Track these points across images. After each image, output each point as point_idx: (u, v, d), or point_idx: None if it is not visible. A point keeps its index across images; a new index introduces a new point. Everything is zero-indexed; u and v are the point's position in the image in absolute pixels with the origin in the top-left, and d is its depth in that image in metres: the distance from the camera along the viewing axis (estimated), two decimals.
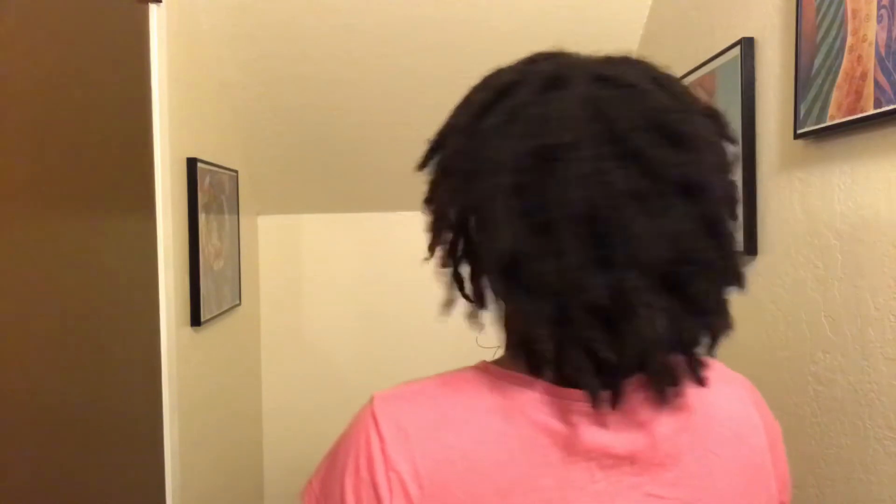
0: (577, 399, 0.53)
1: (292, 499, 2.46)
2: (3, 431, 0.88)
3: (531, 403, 0.53)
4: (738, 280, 0.55)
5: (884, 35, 0.90)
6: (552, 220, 0.49)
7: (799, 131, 1.09)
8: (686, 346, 0.54)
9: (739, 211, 0.57)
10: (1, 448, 0.88)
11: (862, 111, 0.94)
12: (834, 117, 1.00)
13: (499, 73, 0.58)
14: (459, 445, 0.52)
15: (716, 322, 0.54)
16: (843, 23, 0.98)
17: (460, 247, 0.58)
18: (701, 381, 0.56)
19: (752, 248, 1.27)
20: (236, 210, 2.00)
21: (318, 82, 1.94)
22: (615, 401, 0.53)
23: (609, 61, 0.58)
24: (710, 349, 0.56)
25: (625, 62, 0.58)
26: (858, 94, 0.94)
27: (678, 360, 0.55)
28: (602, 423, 0.53)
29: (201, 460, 1.65)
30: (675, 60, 1.63)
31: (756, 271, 1.28)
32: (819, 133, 1.05)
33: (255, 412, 2.35)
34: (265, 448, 2.43)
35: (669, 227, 0.49)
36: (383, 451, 0.53)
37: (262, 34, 1.80)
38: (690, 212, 0.50)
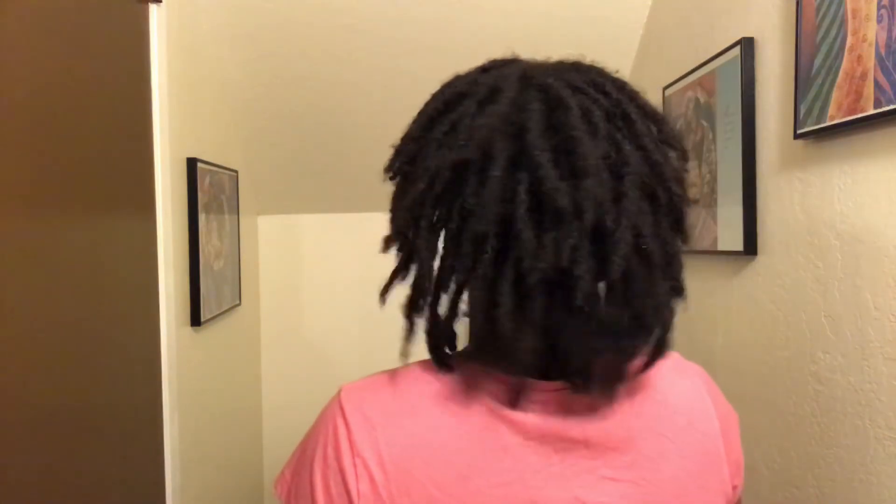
0: (533, 387, 0.57)
1: None
2: (3, 431, 0.88)
3: (489, 391, 0.57)
4: (636, 292, 0.54)
5: (884, 35, 0.90)
6: (462, 231, 0.53)
7: (799, 131, 1.09)
8: (574, 356, 0.55)
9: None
10: (1, 448, 0.88)
11: (862, 111, 0.94)
12: (834, 117, 1.00)
13: (452, 83, 0.61)
14: (421, 433, 0.55)
15: (618, 334, 0.55)
16: (843, 23, 0.98)
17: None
18: (643, 368, 0.59)
19: (752, 248, 1.27)
20: (236, 210, 2.00)
21: (318, 82, 1.94)
22: (568, 388, 0.57)
23: (555, 69, 0.59)
24: (630, 353, 0.57)
25: (573, 69, 0.60)
26: (858, 94, 0.94)
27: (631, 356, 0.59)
28: (557, 410, 0.57)
29: (201, 460, 1.65)
30: (675, 60, 1.63)
31: (756, 271, 1.28)
32: (819, 133, 1.05)
33: (255, 412, 2.35)
34: (265, 448, 2.43)
35: (554, 241, 0.51)
36: (349, 438, 0.56)
37: (262, 34, 1.80)
38: (576, 228, 0.51)
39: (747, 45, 1.27)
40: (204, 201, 1.65)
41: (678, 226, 0.58)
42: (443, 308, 0.57)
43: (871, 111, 0.92)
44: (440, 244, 0.56)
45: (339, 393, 0.60)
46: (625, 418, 0.60)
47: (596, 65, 0.62)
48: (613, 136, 0.54)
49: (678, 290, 0.59)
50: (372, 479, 0.54)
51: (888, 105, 0.89)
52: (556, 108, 0.54)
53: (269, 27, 1.78)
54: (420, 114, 0.61)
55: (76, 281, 1.08)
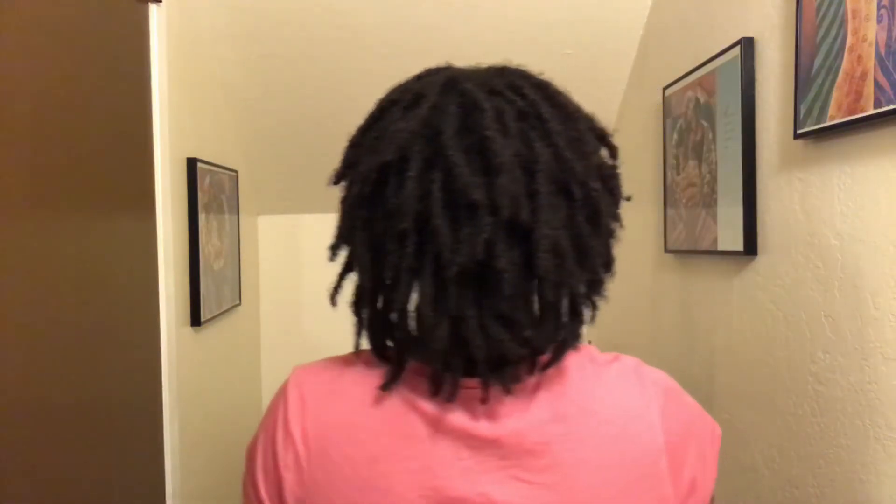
0: (450, 382, 0.58)
1: None
2: (3, 431, 0.88)
3: (410, 383, 0.60)
4: (549, 285, 0.56)
5: (884, 35, 0.90)
6: (387, 230, 0.57)
7: (799, 131, 1.09)
8: (476, 347, 0.56)
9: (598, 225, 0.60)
10: (1, 447, 0.88)
11: (862, 111, 0.94)
12: (834, 117, 1.00)
13: (390, 91, 0.65)
14: (343, 415, 0.60)
15: (527, 326, 0.57)
16: (843, 23, 0.98)
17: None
18: (545, 367, 0.60)
19: (752, 248, 1.27)
20: (236, 210, 2.00)
21: (319, 82, 1.94)
22: (483, 388, 0.58)
23: (479, 74, 0.62)
24: (538, 351, 0.59)
25: (496, 73, 0.63)
26: (858, 94, 0.94)
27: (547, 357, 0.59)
28: (469, 408, 0.59)
29: (201, 460, 1.65)
30: (675, 60, 1.63)
31: (756, 271, 1.28)
32: (819, 133, 1.05)
33: (255, 412, 2.35)
34: None
35: (469, 236, 0.54)
36: (285, 415, 0.62)
37: (262, 34, 1.80)
38: (490, 223, 0.54)
39: (747, 45, 1.27)
40: (204, 201, 1.65)
41: (596, 219, 0.59)
42: (381, 303, 0.61)
43: (871, 111, 0.92)
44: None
45: (291, 372, 0.66)
46: (543, 423, 0.59)
47: (521, 68, 0.65)
48: (526, 135, 0.57)
49: (597, 284, 0.61)
50: (296, 453, 0.60)
51: (888, 105, 0.89)
52: (471, 110, 0.57)
53: (269, 27, 1.78)
54: (364, 120, 0.65)
55: (76, 281, 1.08)
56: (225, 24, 1.75)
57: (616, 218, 0.64)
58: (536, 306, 0.58)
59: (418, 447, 0.59)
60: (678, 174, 1.59)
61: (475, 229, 0.54)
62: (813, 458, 1.10)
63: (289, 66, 1.89)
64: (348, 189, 0.62)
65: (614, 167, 0.64)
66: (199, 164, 1.60)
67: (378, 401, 0.60)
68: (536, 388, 0.60)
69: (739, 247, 1.29)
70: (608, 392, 0.62)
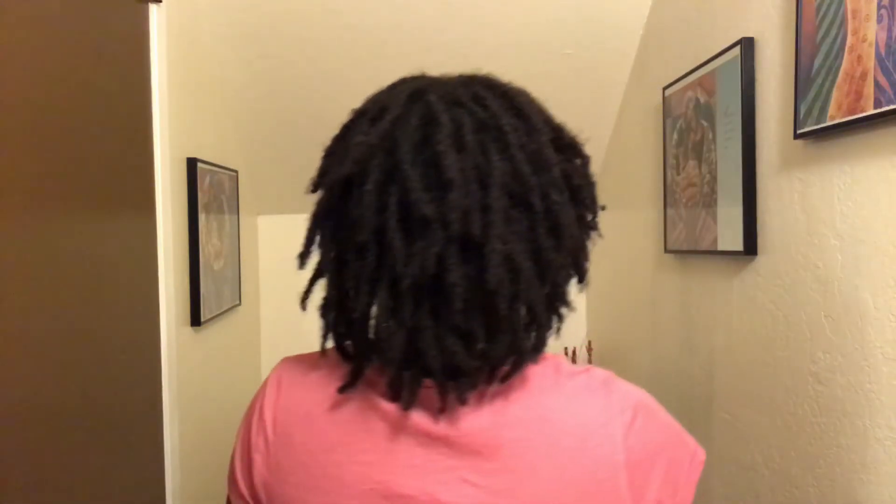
0: (406, 382, 0.60)
1: None
2: (3, 431, 0.88)
3: (369, 380, 0.62)
4: (502, 299, 0.56)
5: (884, 35, 0.90)
6: (348, 241, 0.59)
7: (799, 131, 1.09)
8: (431, 357, 0.57)
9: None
10: (1, 448, 0.88)
11: (862, 111, 0.94)
12: (834, 117, 1.00)
13: (366, 100, 0.65)
14: (307, 403, 0.64)
15: (482, 339, 0.58)
16: (843, 23, 0.98)
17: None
18: (504, 379, 0.60)
19: (752, 248, 1.27)
20: (236, 210, 2.00)
21: (319, 82, 1.94)
22: (440, 395, 0.59)
23: (445, 84, 0.63)
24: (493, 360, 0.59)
25: (462, 83, 0.63)
26: (858, 94, 0.94)
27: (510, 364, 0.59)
28: (425, 406, 0.60)
29: (201, 460, 1.65)
30: (675, 60, 1.63)
31: (756, 271, 1.28)
32: (819, 133, 1.05)
33: None
34: None
35: (422, 249, 0.55)
36: (262, 400, 0.67)
37: (262, 34, 1.80)
38: (442, 237, 0.55)
39: (747, 45, 1.27)
40: (204, 201, 1.65)
41: (557, 232, 0.59)
42: (345, 310, 0.62)
43: (871, 111, 0.92)
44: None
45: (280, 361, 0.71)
46: (496, 426, 0.59)
47: (490, 76, 0.64)
48: (485, 147, 0.57)
49: (558, 298, 0.61)
50: (265, 437, 0.65)
51: (888, 105, 0.89)
52: (428, 123, 0.58)
53: (269, 27, 1.78)
54: (339, 129, 0.66)
55: (76, 281, 1.08)
56: (225, 24, 1.75)
57: (590, 228, 0.64)
58: (484, 319, 0.58)
59: (374, 441, 0.61)
60: (678, 174, 1.59)
61: (427, 243, 0.55)
62: (813, 458, 1.10)
63: (289, 66, 1.89)
64: (317, 199, 0.64)
65: (586, 177, 0.64)
66: (199, 164, 1.60)
67: (339, 396, 0.63)
68: (495, 394, 0.61)
69: (739, 247, 1.29)
70: (567, 403, 0.61)
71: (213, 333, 1.79)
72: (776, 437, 1.21)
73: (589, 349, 2.30)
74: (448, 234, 0.55)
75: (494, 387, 0.60)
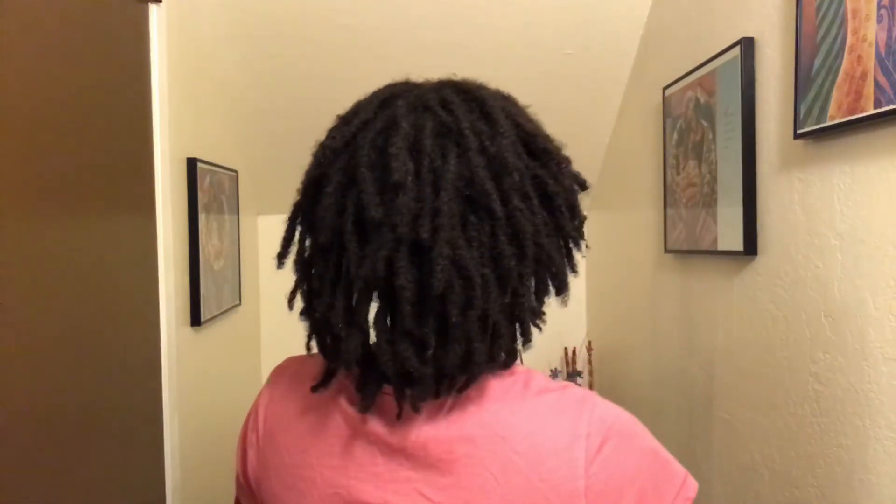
0: (367, 395, 0.60)
1: None
2: (3, 431, 0.89)
3: (340, 383, 0.63)
4: (452, 306, 0.55)
5: (884, 35, 0.90)
6: (312, 243, 0.61)
7: (799, 131, 1.09)
8: (383, 362, 0.57)
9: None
10: (1, 447, 0.88)
11: (862, 111, 0.94)
12: (834, 117, 1.00)
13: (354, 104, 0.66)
14: (289, 403, 0.66)
15: (432, 346, 0.57)
16: (843, 23, 0.98)
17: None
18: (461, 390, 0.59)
19: (752, 248, 1.27)
20: (236, 210, 2.00)
21: (318, 82, 1.94)
22: (397, 402, 0.58)
23: (418, 88, 0.63)
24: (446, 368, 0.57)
25: (434, 88, 0.62)
26: (858, 94, 0.94)
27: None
28: (387, 415, 0.60)
29: (201, 460, 1.65)
30: (675, 60, 1.63)
31: (756, 271, 1.28)
32: (819, 133, 1.05)
33: None
34: None
35: (373, 252, 0.55)
36: (259, 398, 0.70)
37: (262, 34, 1.80)
38: (391, 240, 0.55)
39: (747, 45, 1.27)
40: (204, 201, 1.65)
41: (518, 241, 0.56)
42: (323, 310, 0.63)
43: (871, 111, 0.92)
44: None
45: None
46: (450, 440, 0.58)
47: (467, 82, 0.63)
48: (444, 151, 0.56)
49: (520, 308, 0.58)
50: (257, 434, 0.68)
51: (888, 105, 0.89)
52: (390, 127, 0.58)
53: (269, 27, 1.78)
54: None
55: (76, 281, 1.08)
56: (225, 24, 1.75)
57: (570, 237, 0.62)
58: (435, 326, 0.57)
59: (339, 446, 0.62)
60: (678, 174, 1.59)
61: (377, 246, 0.55)
62: (813, 458, 1.10)
63: (289, 66, 1.89)
64: (293, 200, 0.66)
65: (561, 184, 0.61)
66: (199, 164, 1.60)
67: (316, 398, 0.64)
68: (452, 406, 0.59)
69: (739, 247, 1.29)
70: (526, 421, 0.58)
71: (213, 333, 1.79)
72: (776, 437, 1.21)
73: (589, 349, 2.30)
74: (397, 237, 0.54)
75: (452, 398, 0.59)
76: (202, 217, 1.63)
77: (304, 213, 0.64)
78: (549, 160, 0.61)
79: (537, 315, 0.60)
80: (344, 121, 0.62)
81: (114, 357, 1.21)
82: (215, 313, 1.75)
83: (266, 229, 2.42)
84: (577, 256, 0.65)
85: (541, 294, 0.61)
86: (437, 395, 0.58)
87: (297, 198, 0.65)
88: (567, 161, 0.63)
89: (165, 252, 1.41)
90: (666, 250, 1.67)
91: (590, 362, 2.30)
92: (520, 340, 0.60)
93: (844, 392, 1.02)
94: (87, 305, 1.12)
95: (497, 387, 0.60)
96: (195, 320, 1.60)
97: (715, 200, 1.40)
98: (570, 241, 0.63)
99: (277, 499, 0.64)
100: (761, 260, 1.26)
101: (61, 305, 1.04)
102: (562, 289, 0.62)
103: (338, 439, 0.62)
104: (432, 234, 0.54)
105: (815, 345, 1.09)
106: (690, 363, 1.58)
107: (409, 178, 0.55)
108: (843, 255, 1.03)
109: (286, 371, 0.71)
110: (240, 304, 2.05)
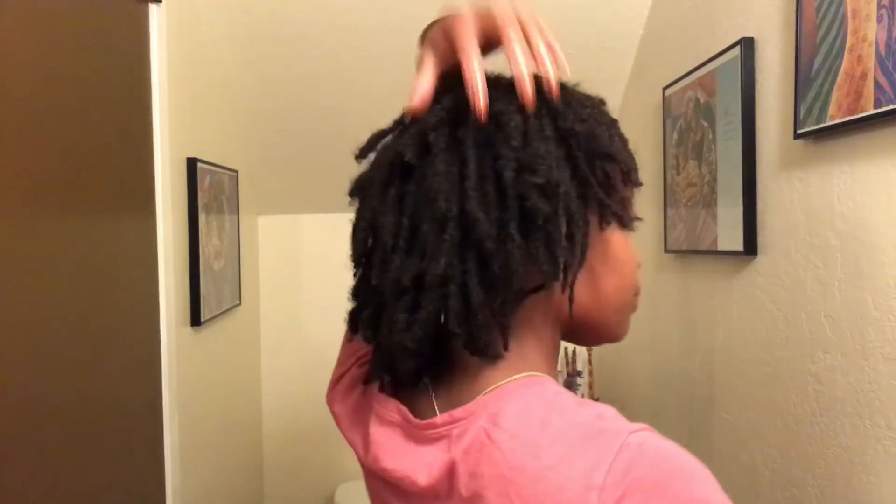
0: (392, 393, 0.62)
1: (292, 499, 2.46)
2: (3, 431, 0.88)
3: (376, 396, 0.63)
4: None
5: (884, 35, 0.90)
6: (354, 248, 0.59)
7: (799, 131, 1.09)
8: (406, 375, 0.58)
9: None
10: (1, 447, 0.88)
11: (862, 111, 0.94)
12: (834, 117, 1.00)
13: None
14: (348, 405, 0.70)
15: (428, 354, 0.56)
16: (843, 23, 0.98)
17: None
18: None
19: (752, 248, 1.27)
20: (236, 210, 2.00)
21: (319, 82, 1.94)
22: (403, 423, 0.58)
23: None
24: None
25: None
26: (858, 94, 0.94)
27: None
28: (389, 444, 0.59)
29: (201, 460, 1.65)
30: (675, 60, 1.63)
31: (756, 271, 1.28)
32: (819, 133, 1.05)
33: (255, 412, 2.35)
34: (265, 448, 2.43)
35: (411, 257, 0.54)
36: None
37: (262, 34, 1.80)
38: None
39: (747, 45, 1.27)
40: (204, 201, 1.65)
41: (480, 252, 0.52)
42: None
43: (871, 111, 0.92)
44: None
45: None
46: (443, 473, 0.52)
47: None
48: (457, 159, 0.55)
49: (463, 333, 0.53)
50: (344, 372, 0.76)
51: (888, 105, 0.89)
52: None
53: (269, 27, 1.78)
54: None
55: (76, 281, 1.08)
56: (225, 24, 1.75)
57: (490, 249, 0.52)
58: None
59: (361, 434, 0.64)
60: (678, 174, 1.59)
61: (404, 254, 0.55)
62: (813, 458, 1.10)
63: (289, 66, 1.89)
64: None
65: (536, 206, 0.52)
66: (199, 164, 1.60)
67: (367, 394, 0.66)
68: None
69: (739, 247, 1.29)
70: (549, 456, 0.47)
71: (213, 333, 1.79)
72: (776, 437, 1.21)
73: (589, 349, 2.30)
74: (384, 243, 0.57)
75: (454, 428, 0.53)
76: (202, 217, 1.63)
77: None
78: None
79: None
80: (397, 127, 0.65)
81: (114, 357, 1.21)
82: (215, 313, 1.75)
83: (266, 229, 2.42)
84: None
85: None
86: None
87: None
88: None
89: (165, 252, 1.41)
90: (666, 250, 1.67)
91: (590, 362, 2.30)
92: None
93: (844, 392, 1.02)
94: (87, 305, 1.12)
95: (515, 405, 0.52)
96: (195, 320, 1.60)
97: (715, 200, 1.40)
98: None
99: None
100: (761, 260, 1.26)
101: (61, 305, 1.04)
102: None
103: (370, 436, 0.65)
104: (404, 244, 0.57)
105: (815, 345, 1.09)
106: (690, 363, 1.58)
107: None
108: (843, 255, 1.03)
109: (352, 378, 0.76)
110: (240, 304, 2.05)
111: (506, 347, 0.54)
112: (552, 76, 0.56)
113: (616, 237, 0.60)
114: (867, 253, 0.97)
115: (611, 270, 0.60)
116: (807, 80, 1.07)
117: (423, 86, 0.57)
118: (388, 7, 1.76)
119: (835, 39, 1.00)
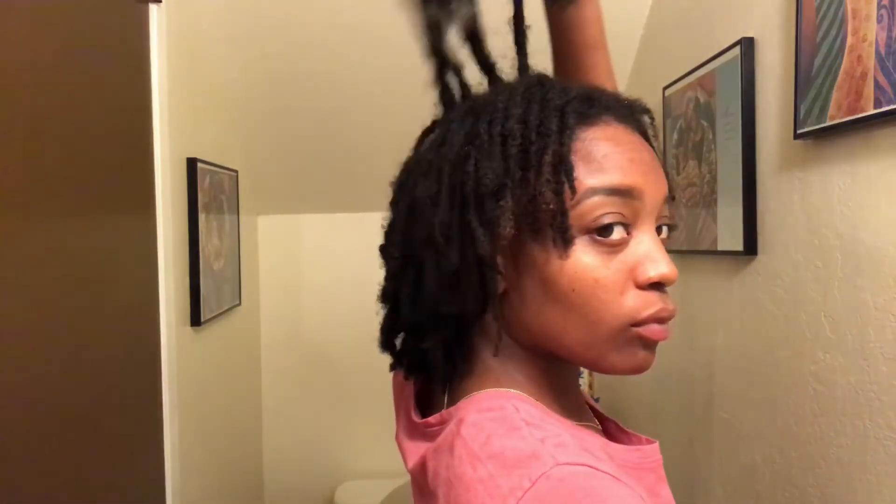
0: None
1: (292, 498, 2.46)
2: (3, 431, 0.88)
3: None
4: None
5: (884, 35, 0.90)
6: None
7: (799, 131, 1.09)
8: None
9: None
10: (1, 447, 0.88)
11: (862, 111, 0.94)
12: (834, 117, 1.00)
13: None
14: (398, 379, 0.71)
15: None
16: (843, 23, 0.98)
17: None
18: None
19: (752, 248, 1.27)
20: (236, 210, 2.00)
21: (318, 82, 1.94)
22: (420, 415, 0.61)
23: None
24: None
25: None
26: (858, 94, 0.94)
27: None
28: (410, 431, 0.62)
29: (201, 460, 1.65)
30: (675, 60, 1.63)
31: (756, 271, 1.28)
32: (819, 133, 1.04)
33: (255, 412, 2.35)
34: (265, 448, 2.43)
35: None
36: None
37: (262, 34, 1.80)
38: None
39: (747, 45, 1.27)
40: (204, 201, 1.65)
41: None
42: None
43: (871, 111, 0.92)
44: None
45: None
46: (433, 471, 0.53)
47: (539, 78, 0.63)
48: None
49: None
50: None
51: (888, 105, 0.89)
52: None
53: (269, 27, 1.78)
54: None
55: (76, 281, 1.08)
56: (225, 24, 1.75)
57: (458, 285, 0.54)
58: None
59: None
60: (678, 174, 1.59)
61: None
62: (813, 458, 1.10)
63: (289, 66, 1.89)
64: None
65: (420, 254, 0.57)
66: (199, 164, 1.60)
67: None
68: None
69: (739, 247, 1.29)
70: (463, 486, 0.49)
71: (213, 333, 1.79)
72: (776, 437, 1.21)
73: None
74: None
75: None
76: (202, 217, 1.63)
77: None
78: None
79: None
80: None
81: (114, 357, 1.21)
82: (215, 313, 1.75)
83: (266, 229, 2.42)
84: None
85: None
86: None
87: None
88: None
89: (165, 252, 1.41)
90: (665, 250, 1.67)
91: None
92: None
93: (844, 392, 1.02)
94: (87, 305, 1.12)
95: (474, 416, 0.52)
96: (195, 320, 1.60)
97: (715, 200, 1.40)
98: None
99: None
100: (761, 260, 1.26)
101: (61, 305, 1.04)
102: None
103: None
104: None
105: (815, 345, 1.09)
106: (690, 363, 1.58)
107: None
108: (843, 255, 1.03)
109: None
110: (240, 304, 2.05)
111: (462, 363, 0.58)
112: None
113: (562, 265, 0.51)
114: (867, 253, 0.97)
115: (551, 300, 0.52)
116: (807, 80, 1.07)
117: None
118: (388, 7, 1.76)
119: (835, 39, 1.00)
